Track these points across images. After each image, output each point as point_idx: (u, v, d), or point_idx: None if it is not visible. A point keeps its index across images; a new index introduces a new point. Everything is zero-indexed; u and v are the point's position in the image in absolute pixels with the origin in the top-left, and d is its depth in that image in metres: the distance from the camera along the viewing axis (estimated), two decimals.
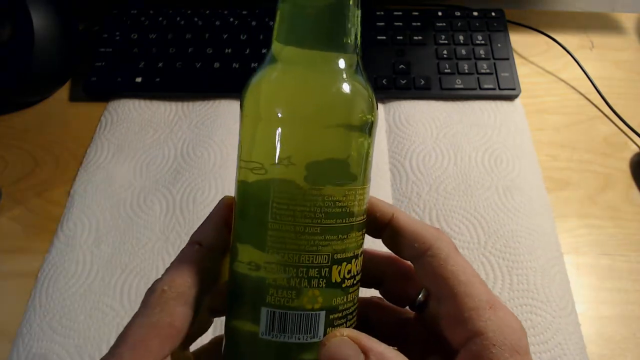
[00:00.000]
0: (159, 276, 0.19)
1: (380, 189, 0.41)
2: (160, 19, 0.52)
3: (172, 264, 0.20)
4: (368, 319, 0.23)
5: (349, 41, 0.20)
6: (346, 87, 0.19)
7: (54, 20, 0.47)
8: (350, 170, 0.20)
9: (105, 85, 0.48)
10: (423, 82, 0.47)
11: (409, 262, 0.22)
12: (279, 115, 0.19)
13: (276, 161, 0.19)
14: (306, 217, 0.19)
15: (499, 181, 0.41)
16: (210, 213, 0.22)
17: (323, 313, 0.19)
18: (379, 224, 0.22)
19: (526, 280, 0.35)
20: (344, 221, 0.19)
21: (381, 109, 0.47)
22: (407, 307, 0.23)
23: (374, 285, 0.24)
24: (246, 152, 0.20)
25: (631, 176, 0.43)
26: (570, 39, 0.53)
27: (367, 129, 0.20)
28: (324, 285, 0.19)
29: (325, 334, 0.19)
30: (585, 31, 0.54)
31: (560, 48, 0.51)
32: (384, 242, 0.23)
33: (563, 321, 0.34)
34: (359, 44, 0.21)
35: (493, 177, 0.41)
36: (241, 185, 0.20)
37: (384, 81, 0.47)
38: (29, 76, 0.46)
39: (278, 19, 0.20)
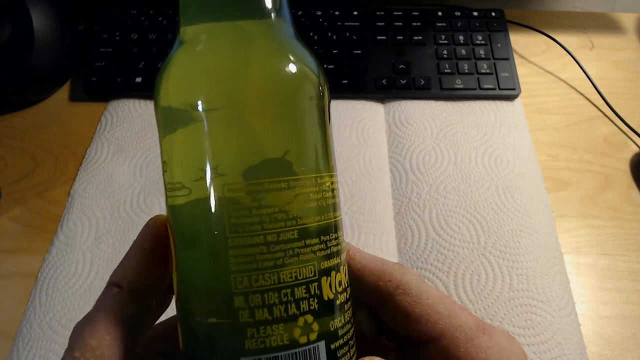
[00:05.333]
0: None
1: (380, 189, 0.41)
2: (160, 19, 0.52)
3: (84, 318, 0.16)
4: None
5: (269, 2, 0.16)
6: (286, 58, 0.16)
7: (53, 20, 0.47)
8: (309, 155, 0.16)
9: (105, 85, 0.48)
10: (423, 82, 0.47)
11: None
12: (205, 101, 0.15)
13: (211, 166, 0.15)
14: (277, 220, 0.15)
15: (499, 181, 0.41)
16: (133, 242, 0.17)
17: (322, 344, 0.15)
18: None
19: (526, 280, 0.35)
20: (322, 218, 0.16)
21: (381, 109, 0.47)
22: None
23: None
24: (173, 168, 0.16)
25: (631, 176, 0.43)
26: (570, 39, 0.53)
27: (318, 94, 0.17)
28: (316, 307, 0.15)
29: None
30: (585, 31, 0.54)
31: (560, 48, 0.51)
32: None
33: (563, 321, 0.34)
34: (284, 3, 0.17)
35: (493, 177, 0.41)
36: (177, 208, 0.16)
37: (384, 81, 0.47)
38: (28, 76, 0.46)
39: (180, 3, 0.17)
